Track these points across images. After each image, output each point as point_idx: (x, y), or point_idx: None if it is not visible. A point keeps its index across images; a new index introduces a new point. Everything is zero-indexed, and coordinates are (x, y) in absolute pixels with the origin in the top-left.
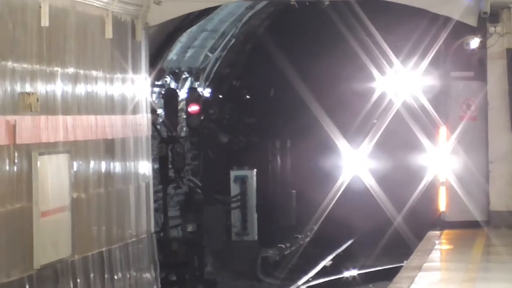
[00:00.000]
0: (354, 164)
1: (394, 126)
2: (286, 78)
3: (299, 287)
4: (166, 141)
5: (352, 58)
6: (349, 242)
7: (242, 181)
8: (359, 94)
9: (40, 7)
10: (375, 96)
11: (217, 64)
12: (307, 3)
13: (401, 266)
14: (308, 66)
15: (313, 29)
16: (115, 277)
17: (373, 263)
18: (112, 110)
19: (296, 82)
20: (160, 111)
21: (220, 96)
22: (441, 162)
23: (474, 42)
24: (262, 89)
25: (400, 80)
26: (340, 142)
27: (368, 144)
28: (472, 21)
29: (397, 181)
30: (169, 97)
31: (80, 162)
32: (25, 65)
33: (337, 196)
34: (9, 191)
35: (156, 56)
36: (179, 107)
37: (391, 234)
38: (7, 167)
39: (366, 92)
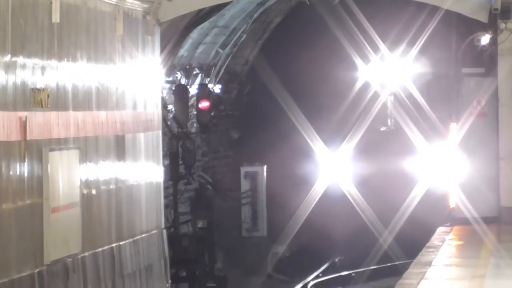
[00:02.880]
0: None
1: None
2: None
3: (308, 283)
4: (176, 137)
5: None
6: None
7: (253, 177)
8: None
9: (51, 3)
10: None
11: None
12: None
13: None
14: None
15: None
16: (125, 273)
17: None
18: (123, 106)
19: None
20: (170, 107)
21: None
22: (452, 159)
23: (485, 39)
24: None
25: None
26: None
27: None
28: (483, 18)
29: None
30: (180, 93)
31: (91, 158)
32: (36, 61)
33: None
34: (20, 188)
35: (167, 52)
36: (190, 103)
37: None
38: (18, 163)
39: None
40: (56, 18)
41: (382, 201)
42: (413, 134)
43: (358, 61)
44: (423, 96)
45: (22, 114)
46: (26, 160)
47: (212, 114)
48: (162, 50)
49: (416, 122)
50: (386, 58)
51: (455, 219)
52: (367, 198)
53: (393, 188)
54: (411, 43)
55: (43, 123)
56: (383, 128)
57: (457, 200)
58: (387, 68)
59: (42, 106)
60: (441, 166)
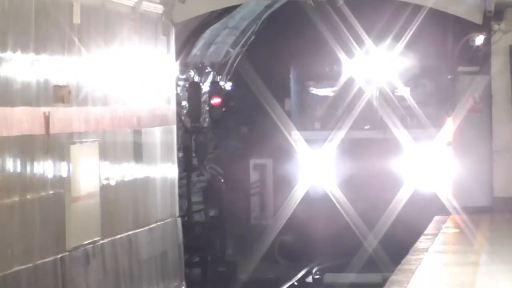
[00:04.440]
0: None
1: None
2: None
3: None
4: (190, 131)
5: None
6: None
7: (261, 169)
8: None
9: (72, 5)
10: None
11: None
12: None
13: None
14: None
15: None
16: (142, 258)
17: None
18: (139, 102)
19: None
20: (184, 103)
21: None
22: (448, 152)
23: (479, 39)
24: None
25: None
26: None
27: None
28: (477, 19)
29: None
30: (193, 90)
31: (109, 151)
32: (58, 60)
33: None
34: (43, 179)
35: (181, 51)
36: (202, 100)
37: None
38: (42, 156)
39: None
40: (77, 19)
41: (366, 202)
42: (400, 132)
43: (342, 55)
44: (412, 94)
45: (45, 109)
46: (49, 152)
47: (223, 109)
48: (176, 49)
49: (403, 120)
50: (372, 53)
51: (451, 209)
52: (351, 199)
53: (379, 190)
54: (406, 41)
55: (64, 118)
56: (367, 127)
57: (452, 190)
58: (373, 64)
59: (63, 102)
60: (430, 165)
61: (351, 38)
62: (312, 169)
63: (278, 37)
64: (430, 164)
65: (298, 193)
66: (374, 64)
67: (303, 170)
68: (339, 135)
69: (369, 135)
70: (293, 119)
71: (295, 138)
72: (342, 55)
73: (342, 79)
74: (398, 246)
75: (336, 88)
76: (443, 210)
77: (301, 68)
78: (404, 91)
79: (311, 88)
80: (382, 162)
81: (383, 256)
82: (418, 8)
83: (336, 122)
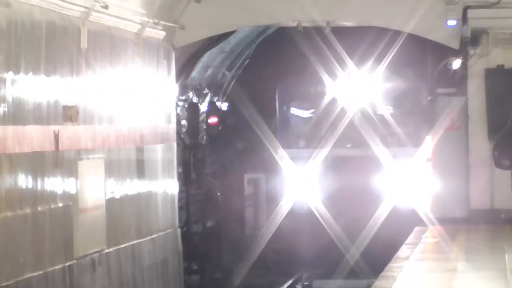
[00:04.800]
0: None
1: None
2: None
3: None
4: (189, 148)
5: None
6: None
7: (255, 183)
8: None
9: (80, 30)
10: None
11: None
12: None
13: None
14: None
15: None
16: (144, 266)
17: None
18: (142, 121)
19: None
20: (184, 122)
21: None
22: (428, 167)
23: (457, 63)
24: None
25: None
26: None
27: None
28: (455, 45)
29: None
30: (192, 110)
31: (114, 166)
32: (67, 82)
33: None
34: (53, 192)
35: (181, 74)
36: (200, 119)
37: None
38: (52, 171)
39: None
40: (84, 44)
41: (348, 216)
42: (380, 150)
43: (325, 77)
44: (392, 114)
45: (55, 128)
46: (58, 168)
47: (220, 128)
48: (176, 72)
49: (383, 138)
50: (354, 75)
51: (430, 220)
52: (334, 213)
53: (360, 205)
54: (388, 65)
55: (73, 135)
56: (349, 145)
57: (432, 203)
58: (355, 85)
59: (72, 121)
60: (409, 181)
61: (334, 61)
62: (297, 185)
63: (266, 61)
64: (409, 180)
65: (283, 207)
66: (356, 86)
67: (288, 186)
68: (322, 153)
69: (351, 153)
70: (278, 138)
71: (281, 155)
72: (325, 77)
73: (326, 100)
74: (378, 257)
75: (319, 108)
76: (421, 224)
77: (286, 89)
78: (385, 111)
79: (296, 108)
80: (363, 178)
81: (364, 267)
82: (399, 33)
83: (320, 140)
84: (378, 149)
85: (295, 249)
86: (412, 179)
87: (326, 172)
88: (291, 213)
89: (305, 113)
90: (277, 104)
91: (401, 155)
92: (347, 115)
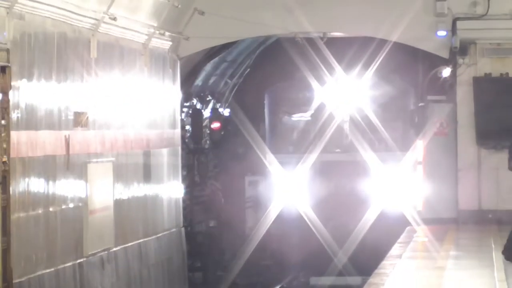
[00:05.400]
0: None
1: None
2: None
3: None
4: (193, 152)
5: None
6: None
7: (255, 185)
8: None
9: (90, 41)
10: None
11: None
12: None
13: None
14: None
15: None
16: (150, 263)
17: None
18: (148, 126)
19: None
20: (188, 127)
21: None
22: (418, 171)
23: (446, 71)
24: None
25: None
26: None
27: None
28: (444, 54)
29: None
30: (196, 116)
31: (122, 169)
32: (77, 89)
33: None
34: (64, 193)
35: (185, 82)
36: (204, 124)
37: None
38: (63, 173)
39: None
40: (94, 53)
41: (336, 221)
42: (368, 155)
43: (314, 83)
44: (380, 119)
45: (66, 133)
46: (69, 171)
47: (222, 133)
48: (181, 80)
49: (371, 143)
50: (342, 80)
51: (421, 220)
52: (322, 217)
53: (349, 209)
54: (379, 73)
55: (83, 140)
56: (337, 150)
57: (422, 204)
58: (344, 90)
59: (82, 126)
60: (397, 186)
61: (322, 67)
62: (286, 189)
63: (261, 69)
64: (397, 184)
65: (272, 211)
66: (344, 91)
67: (277, 190)
68: (311, 158)
69: (340, 158)
70: (267, 143)
71: (270, 160)
72: (314, 83)
73: (314, 105)
74: (366, 261)
75: (308, 114)
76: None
77: (275, 94)
78: (373, 117)
79: (284, 113)
80: (352, 183)
81: (351, 270)
82: (387, 41)
83: (309, 145)
84: (366, 154)
85: (283, 253)
86: (400, 183)
87: (315, 177)
88: (280, 216)
89: (293, 118)
90: (265, 109)
91: (389, 159)
92: (336, 120)
